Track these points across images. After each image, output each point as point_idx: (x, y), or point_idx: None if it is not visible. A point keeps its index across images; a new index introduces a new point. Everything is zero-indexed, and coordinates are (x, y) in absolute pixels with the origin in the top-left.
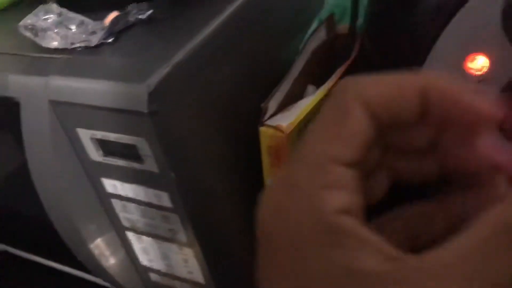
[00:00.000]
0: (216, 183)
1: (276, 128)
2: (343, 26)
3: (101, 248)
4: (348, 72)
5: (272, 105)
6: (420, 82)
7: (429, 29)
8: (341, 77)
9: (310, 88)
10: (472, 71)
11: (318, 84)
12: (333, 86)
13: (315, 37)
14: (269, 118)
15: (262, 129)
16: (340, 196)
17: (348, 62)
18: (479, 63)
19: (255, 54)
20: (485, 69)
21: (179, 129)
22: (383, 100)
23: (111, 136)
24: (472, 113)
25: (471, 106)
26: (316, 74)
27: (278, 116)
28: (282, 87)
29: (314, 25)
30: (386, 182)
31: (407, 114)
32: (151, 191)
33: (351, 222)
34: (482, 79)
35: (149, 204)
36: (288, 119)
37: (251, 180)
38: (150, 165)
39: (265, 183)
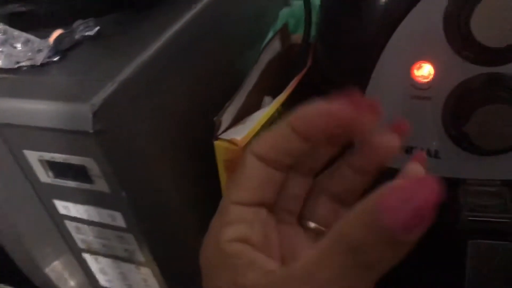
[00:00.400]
0: (172, 200)
1: (231, 141)
2: (297, 36)
3: (59, 271)
4: (302, 82)
5: (227, 118)
6: (288, 120)
7: (376, 37)
8: (296, 87)
9: (267, 99)
10: (419, 79)
11: (274, 95)
12: (289, 96)
13: (269, 48)
14: (224, 131)
15: (217, 143)
16: (235, 229)
17: (302, 72)
18: (425, 71)
19: (209, 66)
20: (431, 77)
21: (129, 147)
22: (266, 145)
23: (60, 157)
24: (334, 119)
25: (328, 114)
26: (272, 85)
27: (233, 129)
28: (236, 100)
29: (268, 36)
30: (329, 205)
31: (292, 146)
32: (104, 211)
33: (242, 247)
34: (429, 87)
35: (103, 225)
36: (243, 132)
37: (209, 195)
38: (101, 185)
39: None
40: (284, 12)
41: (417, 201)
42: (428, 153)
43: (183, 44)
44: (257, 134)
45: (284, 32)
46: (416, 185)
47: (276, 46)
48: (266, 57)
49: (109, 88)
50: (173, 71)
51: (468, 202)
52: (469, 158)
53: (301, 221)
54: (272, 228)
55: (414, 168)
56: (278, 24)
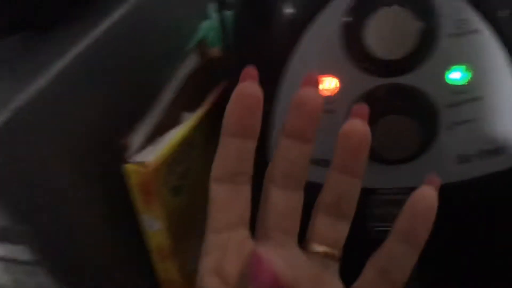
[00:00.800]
0: (85, 228)
1: (141, 164)
2: (216, 49)
3: None
4: (223, 96)
5: (138, 138)
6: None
7: (282, 51)
8: (215, 101)
9: (186, 115)
10: (324, 92)
11: (195, 111)
12: (207, 111)
13: (187, 63)
14: (135, 153)
15: (127, 166)
16: (210, 258)
17: (221, 86)
18: (330, 84)
19: (121, 85)
20: (334, 90)
21: (31, 177)
22: (217, 164)
23: None
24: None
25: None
26: (192, 101)
27: (145, 151)
28: (149, 118)
29: (187, 51)
30: (327, 221)
31: (238, 149)
32: (9, 246)
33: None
34: (333, 100)
35: (9, 260)
36: (154, 153)
37: (127, 220)
38: (2, 219)
39: (142, 222)
40: (205, 25)
41: None
42: None
43: (90, 64)
44: (171, 154)
45: (203, 46)
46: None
47: (193, 61)
48: (184, 72)
49: (2, 117)
50: (80, 93)
51: (378, 212)
52: (378, 168)
53: (306, 246)
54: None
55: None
56: (198, 38)
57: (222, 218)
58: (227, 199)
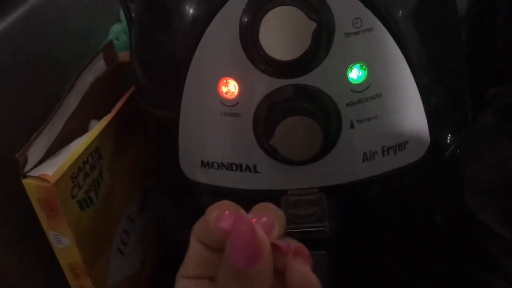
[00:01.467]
0: None
1: (41, 178)
2: (125, 53)
3: None
4: (129, 102)
5: (36, 151)
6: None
7: (181, 53)
8: (123, 108)
9: (93, 123)
10: (227, 96)
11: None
12: (114, 118)
13: (92, 68)
14: (34, 167)
15: (25, 181)
16: None
17: (129, 92)
18: (231, 87)
19: (22, 94)
20: (237, 93)
21: None
22: (201, 231)
23: None
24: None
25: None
26: (99, 108)
27: (47, 163)
28: (48, 130)
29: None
30: None
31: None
32: None
33: None
34: (236, 103)
35: None
36: (55, 165)
37: (37, 238)
38: None
39: (50, 238)
40: (115, 28)
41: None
42: (248, 168)
43: None
44: (76, 164)
45: (109, 50)
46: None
47: (100, 66)
48: (89, 79)
49: None
50: None
51: (287, 213)
52: (286, 170)
53: None
54: None
55: None
56: (106, 41)
57: (195, 270)
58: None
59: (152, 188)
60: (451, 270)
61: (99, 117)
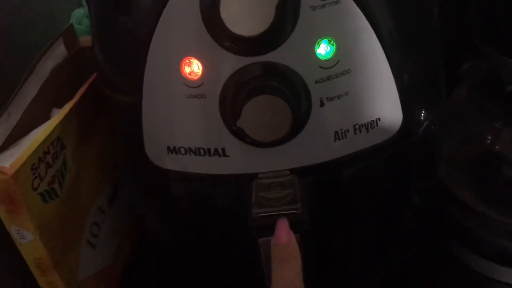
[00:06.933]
0: None
1: None
2: (87, 39)
3: None
4: (92, 88)
5: None
6: None
7: (140, 34)
8: (85, 94)
9: (55, 111)
10: (190, 76)
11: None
12: (76, 105)
13: (52, 54)
14: None
15: None
16: None
17: (91, 78)
18: (195, 67)
19: None
20: (201, 73)
21: None
22: None
23: None
24: None
25: None
26: (61, 95)
27: (3, 155)
28: (4, 118)
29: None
30: None
31: None
32: None
33: None
34: (201, 83)
35: None
36: (14, 156)
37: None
38: None
39: (12, 234)
40: (76, 12)
41: None
42: (216, 152)
43: None
44: (36, 155)
45: (70, 34)
46: None
47: (61, 51)
48: (49, 65)
49: None
50: None
51: (259, 197)
52: (256, 152)
53: None
54: None
55: None
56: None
57: None
58: None
59: (122, 179)
60: (427, 245)
61: (61, 106)
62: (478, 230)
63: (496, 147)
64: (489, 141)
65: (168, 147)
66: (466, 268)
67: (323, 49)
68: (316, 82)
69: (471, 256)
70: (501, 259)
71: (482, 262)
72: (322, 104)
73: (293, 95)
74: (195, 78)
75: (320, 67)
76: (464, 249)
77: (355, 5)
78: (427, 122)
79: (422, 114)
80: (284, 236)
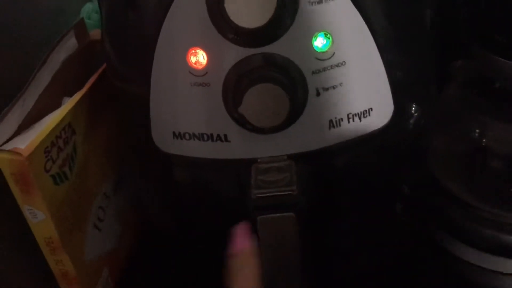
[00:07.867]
0: None
1: (13, 152)
2: (97, 32)
3: None
4: (103, 79)
5: (8, 126)
6: None
7: (149, 25)
8: (94, 85)
9: (66, 100)
10: (196, 66)
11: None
12: (86, 93)
13: (64, 46)
14: (6, 141)
15: None
16: None
17: (101, 69)
18: (200, 57)
19: None
20: (206, 63)
21: None
22: None
23: None
24: None
25: None
26: (72, 85)
27: (18, 138)
28: (19, 105)
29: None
30: None
31: None
32: None
33: None
34: (205, 73)
35: None
36: (28, 139)
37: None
38: None
39: (25, 213)
40: (86, 7)
41: None
42: (219, 138)
43: None
44: (49, 139)
45: (80, 28)
46: None
47: (72, 43)
48: (60, 56)
49: None
50: None
51: (259, 179)
52: (256, 138)
53: None
54: None
55: None
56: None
57: None
58: None
59: (127, 165)
60: (416, 236)
61: (71, 94)
62: (466, 222)
63: (484, 140)
64: (477, 135)
65: (174, 133)
66: (454, 257)
67: (320, 42)
68: (313, 72)
69: (460, 247)
70: (489, 248)
71: (469, 250)
72: (318, 94)
73: (291, 84)
74: (200, 67)
75: (316, 58)
76: (452, 241)
77: (350, 2)
78: (416, 114)
79: (413, 107)
80: (241, 242)
